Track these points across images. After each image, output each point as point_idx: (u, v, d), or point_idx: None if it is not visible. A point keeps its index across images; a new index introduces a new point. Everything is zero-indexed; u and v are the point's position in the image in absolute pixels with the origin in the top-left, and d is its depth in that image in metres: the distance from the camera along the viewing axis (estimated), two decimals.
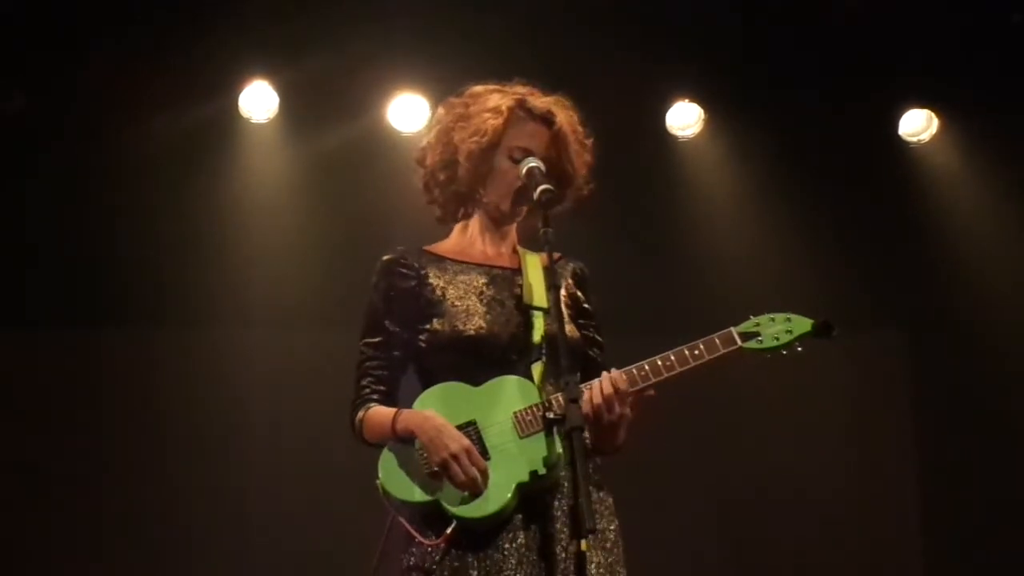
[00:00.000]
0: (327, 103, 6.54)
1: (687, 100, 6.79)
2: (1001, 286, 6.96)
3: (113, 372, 6.65)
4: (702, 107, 6.79)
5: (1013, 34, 6.57)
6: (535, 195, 3.39)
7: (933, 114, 6.92)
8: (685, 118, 6.84)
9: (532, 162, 3.49)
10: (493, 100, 3.58)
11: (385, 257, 3.59)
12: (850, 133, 6.83)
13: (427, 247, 3.64)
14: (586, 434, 3.44)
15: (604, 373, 3.40)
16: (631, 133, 6.60)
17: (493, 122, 3.55)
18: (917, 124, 6.97)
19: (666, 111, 6.82)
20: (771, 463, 6.94)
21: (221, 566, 6.52)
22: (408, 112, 6.57)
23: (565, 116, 3.60)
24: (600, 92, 6.24)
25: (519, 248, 3.64)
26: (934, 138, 6.96)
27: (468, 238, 3.64)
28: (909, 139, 6.99)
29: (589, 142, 3.65)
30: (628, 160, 6.54)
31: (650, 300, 6.50)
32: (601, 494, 3.48)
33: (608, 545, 3.43)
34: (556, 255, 3.53)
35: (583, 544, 3.08)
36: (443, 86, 6.27)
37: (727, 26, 6.44)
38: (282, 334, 6.75)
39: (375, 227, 6.29)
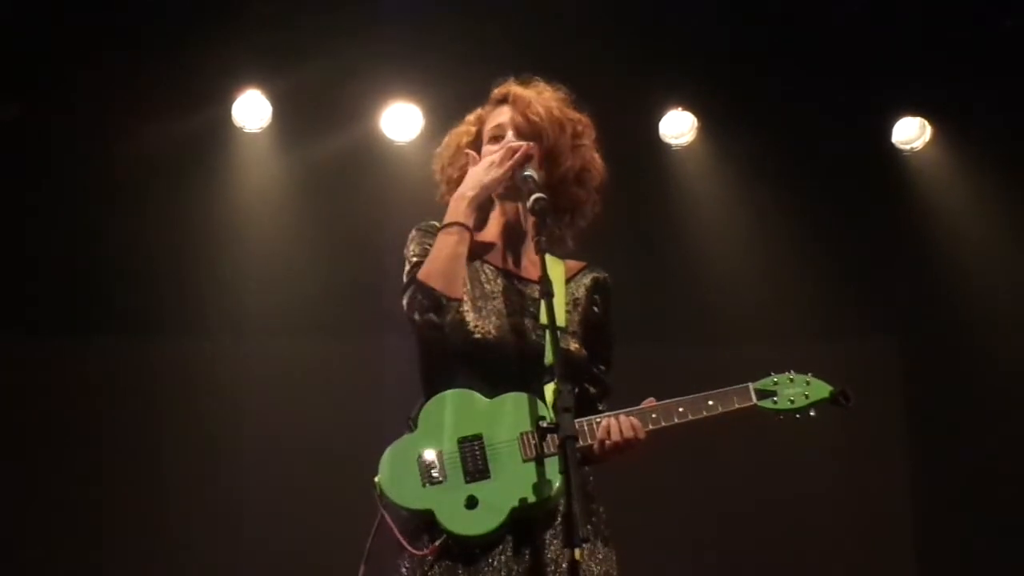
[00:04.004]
0: (320, 112, 6.54)
1: (680, 108, 6.80)
2: (993, 292, 6.97)
3: (107, 381, 6.63)
4: (695, 115, 6.80)
5: (1006, 41, 6.57)
6: (528, 204, 3.40)
7: (926, 122, 6.94)
8: (678, 126, 6.85)
9: (526, 171, 3.50)
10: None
11: (422, 224, 3.62)
12: (843, 141, 6.84)
13: None
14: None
15: (622, 416, 3.41)
16: (624, 141, 6.57)
17: (467, 128, 3.72)
18: (910, 132, 6.99)
19: (659, 119, 6.83)
20: (762, 470, 6.92)
21: (217, 573, 6.51)
22: (401, 121, 6.58)
23: (525, 87, 3.68)
24: (593, 100, 6.24)
25: (538, 255, 3.60)
26: (927, 146, 6.97)
27: (491, 236, 3.65)
28: (902, 147, 7.00)
29: (561, 97, 3.69)
30: (621, 168, 6.51)
31: (641, 307, 6.49)
32: (593, 505, 3.49)
33: (600, 557, 3.43)
34: (583, 264, 3.65)
35: (576, 553, 3.07)
36: (436, 95, 6.38)
37: (720, 35, 6.45)
38: (276, 342, 6.75)
39: (368, 236, 6.30)
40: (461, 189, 3.54)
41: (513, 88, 3.67)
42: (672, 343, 6.69)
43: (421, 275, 3.46)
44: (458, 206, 3.51)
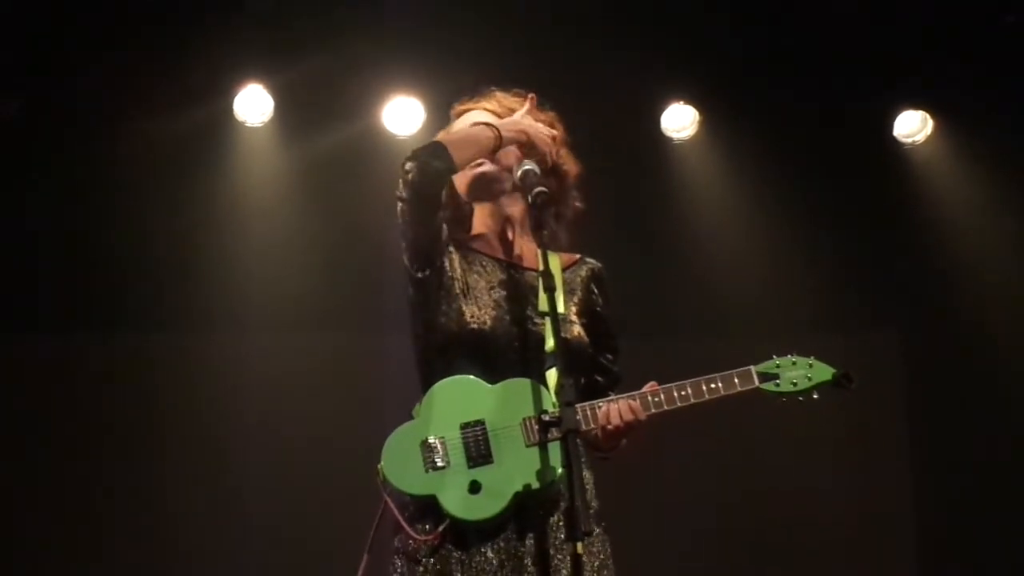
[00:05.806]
0: (322, 106, 6.54)
1: (682, 102, 6.79)
2: (996, 286, 6.96)
3: (110, 376, 6.63)
4: (697, 109, 6.79)
5: (1007, 35, 6.57)
6: (530, 198, 3.41)
7: (928, 115, 6.93)
8: (680, 120, 6.84)
9: (527, 165, 3.51)
10: None
11: None
12: (845, 134, 6.84)
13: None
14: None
15: (621, 401, 3.40)
16: (626, 135, 6.62)
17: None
18: (912, 125, 6.98)
19: (661, 113, 6.83)
20: (762, 463, 6.92)
21: (220, 569, 6.50)
22: (403, 115, 6.57)
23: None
24: (595, 94, 6.27)
25: (539, 249, 3.59)
26: (929, 139, 6.96)
27: (482, 228, 3.65)
28: (904, 140, 7.00)
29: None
30: (623, 161, 6.55)
31: (644, 301, 6.49)
32: (588, 497, 3.46)
33: (595, 549, 3.42)
34: (576, 256, 3.65)
35: (579, 547, 3.07)
36: (438, 89, 6.38)
37: (722, 28, 6.45)
38: (279, 337, 6.74)
39: (370, 230, 6.28)
40: (519, 119, 3.58)
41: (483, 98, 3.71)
42: (672, 336, 6.68)
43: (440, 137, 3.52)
44: (511, 126, 3.54)
